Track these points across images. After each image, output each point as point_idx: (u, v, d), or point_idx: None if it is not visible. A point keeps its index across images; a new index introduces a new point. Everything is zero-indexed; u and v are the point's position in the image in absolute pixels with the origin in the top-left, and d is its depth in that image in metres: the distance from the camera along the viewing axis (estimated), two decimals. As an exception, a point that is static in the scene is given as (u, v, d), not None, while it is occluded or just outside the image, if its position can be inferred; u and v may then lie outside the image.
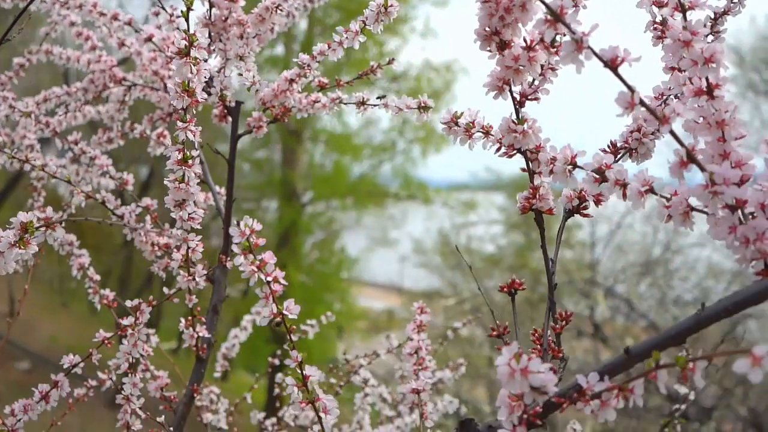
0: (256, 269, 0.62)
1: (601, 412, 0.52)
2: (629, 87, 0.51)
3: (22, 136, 1.28)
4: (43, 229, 0.67)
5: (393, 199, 12.24)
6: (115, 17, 1.10)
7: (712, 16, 0.72)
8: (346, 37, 0.91)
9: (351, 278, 11.85)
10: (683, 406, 1.10)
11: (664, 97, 0.70)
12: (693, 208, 0.55)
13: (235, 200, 1.06)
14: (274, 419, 1.36)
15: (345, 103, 0.98)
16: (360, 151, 12.21)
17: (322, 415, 0.65)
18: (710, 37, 0.72)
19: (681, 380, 0.47)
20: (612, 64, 0.51)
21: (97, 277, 1.12)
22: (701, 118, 0.55)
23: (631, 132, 0.69)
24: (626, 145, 0.69)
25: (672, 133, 0.52)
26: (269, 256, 0.63)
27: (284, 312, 0.64)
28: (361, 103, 0.96)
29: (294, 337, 0.67)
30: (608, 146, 0.70)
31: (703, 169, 0.52)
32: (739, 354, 0.41)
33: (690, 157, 0.52)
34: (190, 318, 0.97)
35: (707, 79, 0.54)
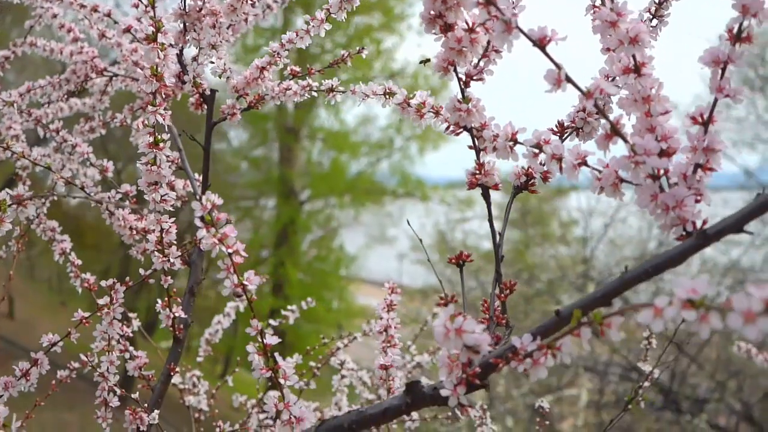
0: (217, 242, 0.66)
1: (533, 370, 0.55)
2: (556, 65, 0.55)
3: (8, 127, 1.32)
4: (14, 206, 0.70)
5: (391, 197, 12.28)
6: (94, 9, 1.14)
7: (657, 1, 0.75)
8: (313, 26, 0.95)
9: (349, 276, 11.88)
10: (646, 383, 1.13)
11: (610, 78, 0.73)
12: (622, 180, 0.59)
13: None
14: (254, 401, 1.40)
15: (315, 91, 1.01)
16: (357, 149, 12.24)
17: (282, 381, 0.69)
18: (654, 21, 0.75)
19: (598, 336, 0.50)
20: (540, 43, 0.55)
21: (79, 262, 1.15)
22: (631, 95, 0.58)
23: (577, 112, 0.72)
24: (572, 124, 0.73)
25: (597, 107, 0.55)
26: (230, 230, 0.67)
27: (245, 283, 0.67)
28: (330, 90, 1.00)
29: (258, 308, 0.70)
30: (555, 126, 0.73)
31: (626, 141, 0.55)
32: (643, 307, 0.45)
33: (614, 130, 0.55)
34: (166, 299, 1.00)
35: (634, 57, 0.57)
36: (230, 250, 0.66)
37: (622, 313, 0.48)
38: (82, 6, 1.15)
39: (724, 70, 0.56)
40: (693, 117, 0.56)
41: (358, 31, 10.90)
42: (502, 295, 0.66)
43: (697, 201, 0.55)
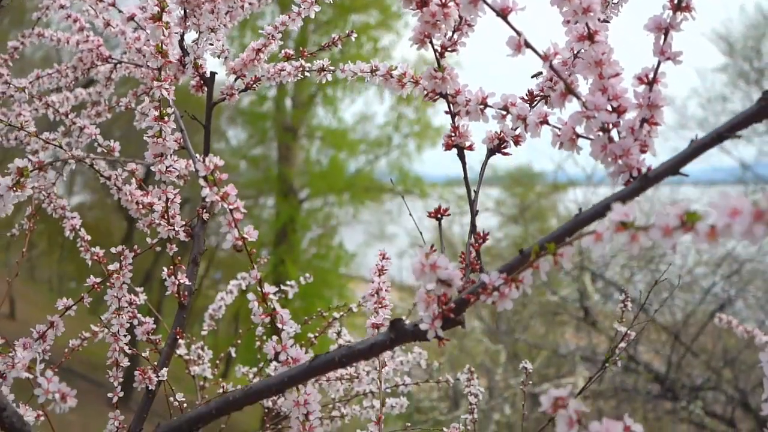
0: (220, 199, 0.73)
1: (500, 302, 0.63)
2: (517, 32, 0.62)
3: (18, 114, 1.39)
4: (36, 171, 0.77)
5: (389, 194, 12.34)
6: (100, -1, 1.21)
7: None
8: (303, 7, 1.02)
9: (349, 274, 11.94)
10: (623, 344, 1.20)
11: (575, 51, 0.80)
12: (578, 135, 0.66)
13: None
14: (255, 369, 1.47)
15: (308, 71, 1.08)
16: (356, 147, 12.31)
17: (279, 325, 0.76)
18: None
19: (554, 267, 0.57)
20: (503, 13, 0.62)
21: (88, 237, 1.22)
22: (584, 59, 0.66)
23: (545, 81, 0.80)
24: (541, 93, 0.80)
25: (552, 68, 0.62)
26: (231, 188, 0.74)
27: (245, 236, 0.75)
28: (321, 70, 1.07)
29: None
30: (526, 94, 0.80)
31: (579, 98, 0.62)
32: (587, 235, 0.52)
33: (568, 89, 0.63)
34: (172, 267, 1.07)
35: (587, 26, 0.65)
36: (231, 207, 0.74)
37: (571, 243, 0.55)
38: (89, -4, 1.22)
39: (666, 35, 0.63)
40: (639, 77, 0.64)
41: (355, 29, 10.97)
42: (476, 244, 0.74)
43: (642, 151, 0.63)
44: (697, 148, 0.58)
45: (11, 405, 0.70)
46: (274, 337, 0.76)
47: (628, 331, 1.19)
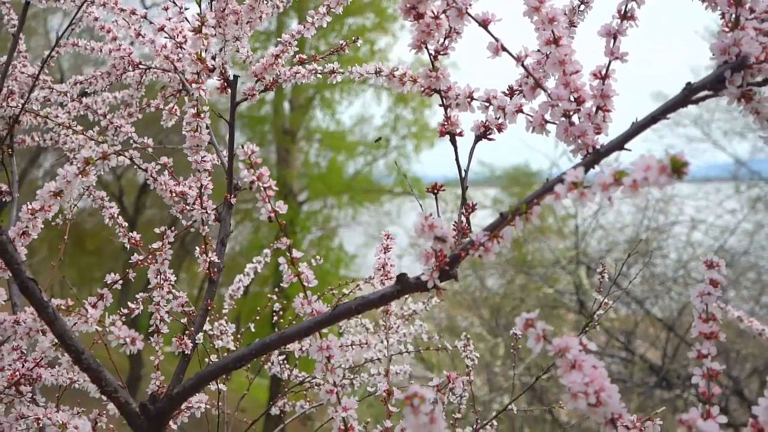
0: (255, 179, 0.89)
1: (485, 255, 0.78)
2: (495, 38, 0.78)
3: (55, 116, 1.55)
4: (101, 160, 0.93)
5: (388, 196, 12.50)
6: (133, 12, 1.37)
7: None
8: (317, 18, 1.18)
9: (349, 275, 12.07)
10: (601, 312, 1.35)
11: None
12: (546, 121, 0.82)
13: (235, 191, 1.31)
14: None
15: (319, 73, 1.24)
16: (354, 149, 12.47)
17: (306, 284, 0.92)
18: (582, 6, 0.98)
19: (524, 221, 0.73)
20: (484, 24, 0.78)
21: (126, 224, 1.38)
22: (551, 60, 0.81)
23: (522, 78, 0.95)
24: (519, 87, 0.96)
25: (524, 67, 0.78)
26: (265, 170, 0.90)
27: (276, 209, 0.90)
28: (332, 72, 1.23)
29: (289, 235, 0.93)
30: (507, 88, 0.96)
31: (545, 91, 0.78)
32: (546, 193, 0.68)
33: (537, 84, 0.78)
34: (203, 246, 1.23)
35: (553, 32, 0.81)
36: (265, 185, 0.89)
37: (538, 203, 0.71)
38: (122, 10, 1.38)
39: (615, 39, 0.79)
40: (594, 74, 0.79)
41: (352, 32, 11.14)
42: (466, 213, 0.89)
43: (597, 133, 0.78)
44: (637, 128, 0.73)
45: (87, 350, 0.85)
46: (301, 294, 0.92)
47: (605, 300, 1.35)
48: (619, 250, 6.90)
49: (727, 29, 0.71)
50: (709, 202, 8.36)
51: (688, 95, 0.71)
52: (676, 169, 0.54)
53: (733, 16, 0.70)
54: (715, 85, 0.71)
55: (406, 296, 1.87)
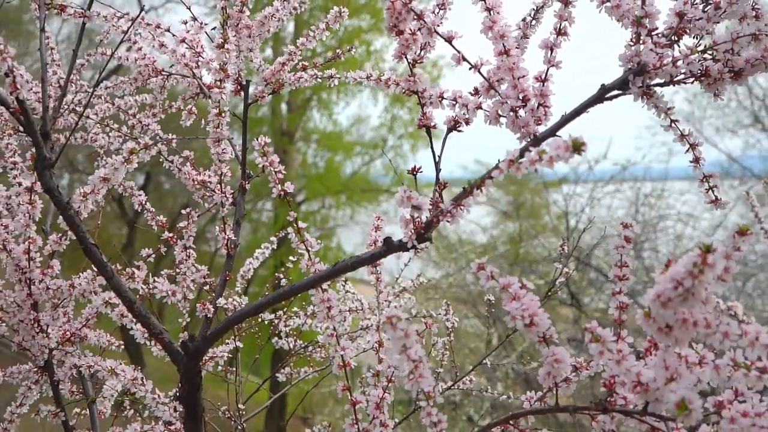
0: (268, 165, 1.11)
1: (452, 220, 1.00)
2: (458, 51, 1.00)
3: (86, 116, 1.76)
4: (143, 150, 1.15)
5: (385, 195, 12.70)
6: (158, 26, 1.58)
7: (534, 8, 1.20)
8: (318, 32, 1.40)
9: (348, 275, 12.22)
10: (561, 279, 1.57)
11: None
12: (499, 115, 1.04)
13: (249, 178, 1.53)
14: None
15: (320, 78, 1.46)
16: (351, 149, 12.68)
17: (309, 248, 1.14)
18: (534, 22, 1.20)
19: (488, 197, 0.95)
20: (449, 39, 1.00)
21: (153, 210, 1.60)
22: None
23: (482, 82, 1.17)
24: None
25: (480, 73, 1.00)
26: (275, 157, 1.12)
27: (285, 189, 1.12)
28: (331, 77, 1.45)
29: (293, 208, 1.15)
30: (473, 89, 1.18)
31: (497, 91, 1.00)
32: (496, 169, 0.90)
33: (490, 86, 1.01)
34: (222, 225, 1.45)
35: (503, 45, 1.03)
36: (276, 169, 1.11)
37: (491, 177, 0.93)
38: (148, 24, 1.60)
39: (552, 50, 1.01)
40: (536, 77, 1.02)
41: (348, 33, 11.35)
42: (439, 188, 1.11)
43: (538, 124, 1.00)
44: (564, 120, 0.95)
45: (138, 300, 1.07)
46: (306, 256, 1.14)
47: (565, 268, 1.57)
48: (610, 244, 7.12)
49: (631, 43, 0.93)
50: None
51: (603, 93, 0.94)
52: (576, 147, 0.76)
53: (634, 33, 0.92)
54: (622, 85, 0.93)
55: (398, 276, 2.08)
